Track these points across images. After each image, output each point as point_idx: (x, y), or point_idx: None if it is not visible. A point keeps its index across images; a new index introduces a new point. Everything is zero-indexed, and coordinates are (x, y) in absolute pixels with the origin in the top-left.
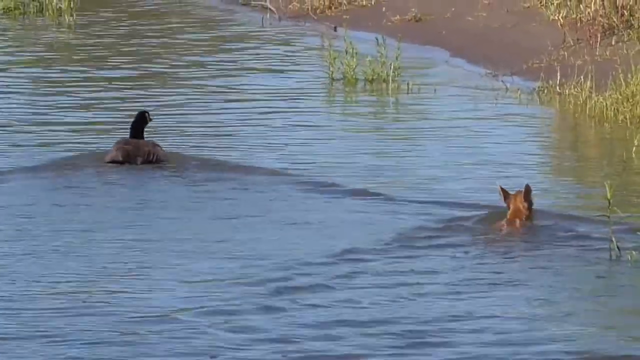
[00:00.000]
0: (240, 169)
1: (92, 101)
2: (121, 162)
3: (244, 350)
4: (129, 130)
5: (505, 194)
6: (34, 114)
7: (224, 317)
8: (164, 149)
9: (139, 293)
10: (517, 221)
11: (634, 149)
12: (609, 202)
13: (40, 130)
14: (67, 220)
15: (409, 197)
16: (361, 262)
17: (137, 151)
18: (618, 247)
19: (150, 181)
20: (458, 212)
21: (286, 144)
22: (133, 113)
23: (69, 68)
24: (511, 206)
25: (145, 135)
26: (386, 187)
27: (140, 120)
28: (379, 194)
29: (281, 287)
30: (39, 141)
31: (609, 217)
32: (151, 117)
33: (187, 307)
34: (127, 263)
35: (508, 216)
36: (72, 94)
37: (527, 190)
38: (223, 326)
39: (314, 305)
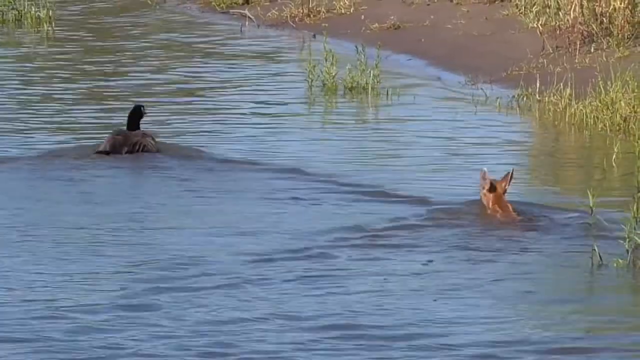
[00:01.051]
0: (215, 161)
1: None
2: (108, 153)
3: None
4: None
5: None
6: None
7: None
8: (156, 139)
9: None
10: (508, 205)
11: (614, 156)
12: (592, 210)
13: (31, 121)
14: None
15: (383, 197)
16: (326, 259)
17: (126, 142)
18: (600, 255)
19: (122, 171)
20: (432, 212)
21: (264, 148)
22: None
23: (49, 66)
24: (492, 193)
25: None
26: (361, 186)
27: (136, 113)
28: (352, 194)
29: (240, 280)
30: (28, 132)
31: (590, 224)
32: (146, 110)
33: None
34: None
35: (491, 203)
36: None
37: (512, 176)
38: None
39: (266, 300)
